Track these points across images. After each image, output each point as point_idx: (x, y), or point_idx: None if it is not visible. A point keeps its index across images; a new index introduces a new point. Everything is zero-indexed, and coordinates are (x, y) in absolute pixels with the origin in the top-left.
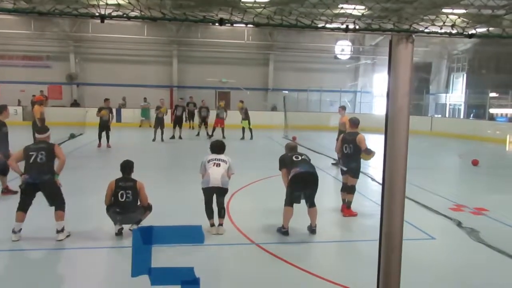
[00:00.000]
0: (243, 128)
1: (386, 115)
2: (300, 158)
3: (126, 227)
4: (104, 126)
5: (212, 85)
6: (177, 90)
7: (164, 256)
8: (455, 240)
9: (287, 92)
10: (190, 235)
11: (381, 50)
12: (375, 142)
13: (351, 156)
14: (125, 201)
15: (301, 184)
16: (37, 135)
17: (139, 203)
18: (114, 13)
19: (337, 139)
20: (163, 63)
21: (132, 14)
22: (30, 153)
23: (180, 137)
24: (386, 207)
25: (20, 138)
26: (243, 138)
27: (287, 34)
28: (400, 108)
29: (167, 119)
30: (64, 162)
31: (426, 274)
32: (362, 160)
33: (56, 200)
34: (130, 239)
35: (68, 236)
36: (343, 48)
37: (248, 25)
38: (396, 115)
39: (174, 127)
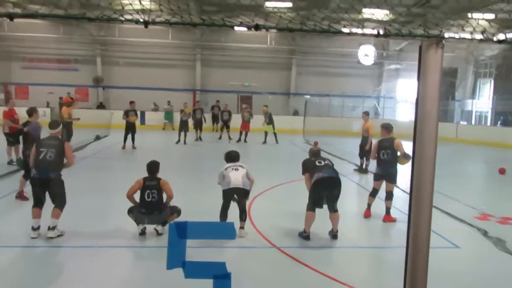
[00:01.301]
0: (266, 132)
1: (415, 120)
2: (323, 163)
3: (150, 227)
4: (130, 128)
5: (235, 89)
6: (200, 94)
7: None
8: (481, 250)
9: (309, 96)
10: (223, 231)
11: (405, 55)
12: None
13: (389, 162)
14: (151, 201)
15: (324, 189)
16: (50, 130)
17: (165, 200)
18: (157, 19)
19: (360, 145)
20: (187, 67)
21: (173, 20)
22: (41, 149)
23: (200, 139)
24: (414, 211)
25: None
26: (265, 142)
27: (310, 38)
28: (429, 113)
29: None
30: (71, 165)
31: (450, 284)
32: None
33: (58, 199)
34: (153, 239)
35: (60, 235)
36: (366, 53)
37: (281, 31)
38: (425, 120)
39: (196, 130)
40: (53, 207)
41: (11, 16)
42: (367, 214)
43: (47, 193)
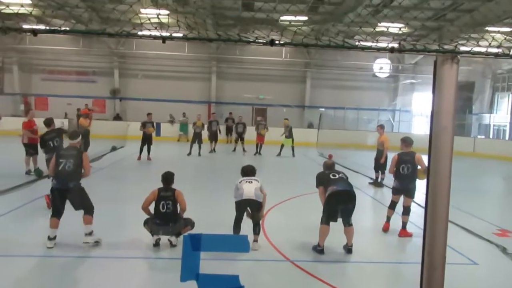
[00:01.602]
0: (282, 145)
1: (430, 135)
2: (337, 176)
3: (164, 238)
4: (147, 140)
5: (249, 102)
6: (215, 106)
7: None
8: (500, 267)
9: (323, 109)
10: (236, 244)
11: (421, 68)
12: None
13: (409, 176)
14: (166, 212)
15: (338, 202)
16: (69, 141)
17: (179, 211)
18: (175, 35)
19: (375, 158)
20: (202, 79)
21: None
22: (60, 160)
23: (214, 151)
24: (429, 226)
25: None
26: (279, 154)
27: (324, 52)
28: (444, 129)
29: (203, 134)
30: (88, 175)
31: None
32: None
33: (82, 205)
34: (167, 251)
35: (97, 242)
36: (381, 66)
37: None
38: (440, 135)
39: (211, 141)
40: (82, 215)
41: (34, 32)
42: (386, 227)
43: (66, 204)
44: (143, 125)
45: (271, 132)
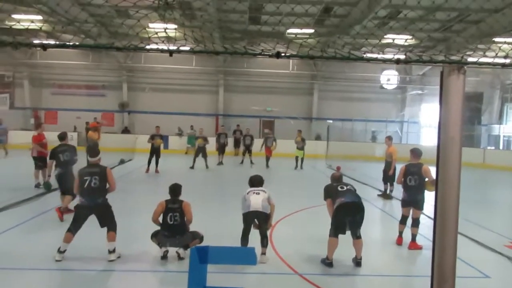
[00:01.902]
0: (297, 157)
1: (438, 145)
2: (345, 188)
3: (172, 251)
4: (155, 152)
5: (257, 114)
6: (223, 118)
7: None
8: None
9: (331, 121)
10: (244, 256)
11: (428, 79)
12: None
13: (417, 188)
14: (173, 224)
15: (347, 214)
16: (89, 159)
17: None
18: (182, 48)
19: (384, 170)
20: (210, 92)
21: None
22: (85, 178)
23: (221, 163)
24: (439, 239)
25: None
26: (296, 167)
27: (331, 64)
28: (452, 139)
29: (211, 146)
30: (114, 190)
31: None
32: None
33: (108, 222)
34: (175, 264)
35: (118, 257)
36: (389, 77)
37: (302, 58)
38: (448, 146)
39: (219, 153)
40: (106, 232)
41: (44, 47)
42: (399, 242)
43: (87, 220)
44: (152, 137)
45: (279, 145)
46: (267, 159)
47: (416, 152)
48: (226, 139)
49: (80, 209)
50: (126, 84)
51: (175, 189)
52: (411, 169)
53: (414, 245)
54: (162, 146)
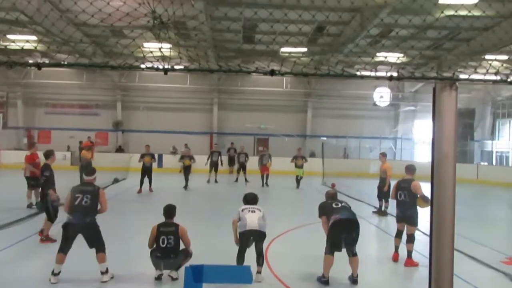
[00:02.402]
0: (297, 177)
1: (432, 162)
2: (340, 205)
3: (166, 272)
4: (146, 172)
5: (251, 132)
6: (217, 136)
7: None
8: None
9: (325, 138)
10: (239, 275)
11: (421, 96)
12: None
13: (406, 203)
14: (166, 247)
15: (342, 231)
16: (85, 177)
17: (181, 247)
18: (176, 66)
19: (378, 187)
20: (204, 110)
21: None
22: (76, 195)
23: (215, 181)
24: (435, 255)
25: (67, 181)
26: (298, 187)
27: (325, 82)
28: (446, 155)
29: (202, 164)
30: (105, 211)
31: None
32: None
33: (96, 242)
34: (169, 285)
35: (112, 278)
36: (382, 95)
37: (296, 75)
38: (442, 162)
39: (210, 171)
40: (96, 253)
41: (39, 66)
42: (395, 257)
43: (76, 239)
44: (142, 156)
45: (274, 162)
46: (264, 177)
47: (409, 168)
48: (219, 157)
49: (68, 228)
50: (120, 103)
51: (169, 211)
52: (401, 185)
53: (410, 262)
54: (155, 165)
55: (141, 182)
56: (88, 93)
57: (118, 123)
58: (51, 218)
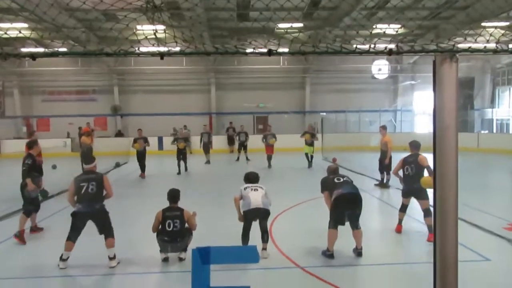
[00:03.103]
0: (307, 154)
1: (434, 134)
2: (342, 180)
3: (172, 254)
4: (139, 157)
5: (250, 110)
6: (216, 117)
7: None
8: None
9: (324, 114)
10: (246, 255)
11: (419, 67)
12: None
13: (413, 177)
14: (173, 230)
15: (345, 205)
16: (84, 166)
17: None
18: (172, 50)
19: (380, 160)
20: (202, 91)
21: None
22: (81, 184)
23: (208, 162)
24: (439, 226)
25: (69, 168)
26: (310, 166)
27: (322, 57)
28: (447, 127)
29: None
30: (111, 197)
31: None
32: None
33: (106, 228)
34: (177, 265)
35: (118, 263)
36: (380, 67)
37: (294, 54)
38: (443, 134)
39: (206, 152)
40: (104, 239)
41: (33, 56)
42: (398, 229)
43: (85, 227)
44: (134, 141)
45: (281, 140)
46: (269, 158)
47: (414, 144)
48: (209, 139)
49: (77, 216)
50: (117, 87)
51: (173, 195)
52: (408, 159)
53: (432, 237)
54: (155, 147)
55: (140, 166)
56: (84, 79)
57: (116, 108)
58: (27, 212)
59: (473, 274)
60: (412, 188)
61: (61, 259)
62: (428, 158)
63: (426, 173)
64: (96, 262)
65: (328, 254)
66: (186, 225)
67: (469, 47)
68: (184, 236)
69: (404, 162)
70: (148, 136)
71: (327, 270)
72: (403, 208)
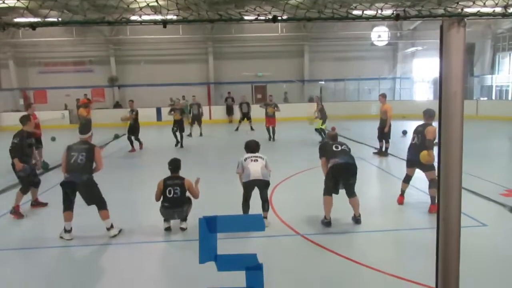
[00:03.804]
0: (317, 130)
1: (440, 101)
2: (340, 148)
3: (175, 223)
4: (129, 130)
5: (248, 80)
6: (214, 86)
7: None
8: (508, 227)
9: (323, 82)
10: (252, 223)
11: (419, 34)
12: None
13: (417, 146)
14: (173, 197)
15: (340, 175)
16: (79, 136)
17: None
18: (174, 18)
19: (379, 128)
20: (199, 61)
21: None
22: (72, 153)
23: (200, 134)
24: (443, 194)
25: (68, 141)
26: (323, 140)
27: (321, 24)
28: (454, 94)
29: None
30: (100, 169)
31: (479, 261)
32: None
33: (96, 200)
34: (180, 235)
35: (120, 231)
36: (379, 34)
37: (299, 21)
38: (450, 101)
39: (192, 124)
40: (98, 211)
41: (33, 26)
42: (400, 201)
43: (77, 195)
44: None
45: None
46: (270, 130)
47: (426, 113)
48: (199, 110)
49: (65, 186)
50: (113, 58)
51: (175, 165)
52: (418, 128)
53: (434, 208)
54: (154, 118)
55: (132, 141)
56: (80, 50)
57: (113, 79)
58: (23, 188)
59: (470, 239)
60: (416, 158)
61: (65, 230)
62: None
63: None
64: (95, 234)
65: (326, 222)
66: (187, 194)
67: (478, 11)
68: (184, 203)
69: (414, 131)
70: (146, 107)
71: (327, 237)
72: (407, 179)
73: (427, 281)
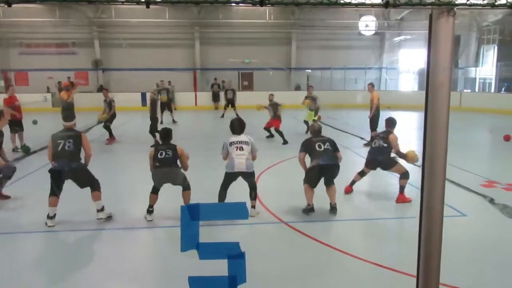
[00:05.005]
0: (306, 122)
1: (426, 92)
2: (323, 148)
3: (158, 209)
4: (109, 119)
5: (235, 66)
6: (201, 72)
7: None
8: (488, 217)
9: (310, 71)
10: (235, 211)
11: (406, 24)
12: (402, 119)
13: (378, 150)
14: (165, 157)
15: (321, 175)
16: (63, 123)
17: (179, 166)
18: None
19: (369, 117)
20: (186, 46)
21: None
22: (58, 141)
23: (173, 121)
24: (427, 183)
25: (50, 124)
26: (307, 132)
27: (309, 11)
28: (441, 84)
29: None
30: (90, 156)
31: (459, 252)
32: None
33: (88, 182)
34: (165, 221)
35: (109, 217)
36: (367, 23)
37: (287, 5)
38: (437, 92)
39: (162, 112)
40: (90, 192)
41: (9, 2)
42: (348, 190)
43: (64, 182)
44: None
45: (256, 97)
46: (279, 133)
47: (388, 121)
48: (168, 95)
49: (54, 174)
50: (98, 40)
51: (167, 134)
52: (380, 135)
53: (402, 198)
54: (139, 103)
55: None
56: (63, 31)
57: (97, 62)
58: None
59: (450, 229)
60: (376, 160)
61: (48, 217)
62: (411, 115)
63: (392, 154)
64: (83, 219)
65: (309, 208)
66: (179, 163)
67: (468, 1)
68: (177, 166)
69: (376, 136)
70: (131, 91)
71: (310, 225)
72: (362, 174)
73: (407, 269)
